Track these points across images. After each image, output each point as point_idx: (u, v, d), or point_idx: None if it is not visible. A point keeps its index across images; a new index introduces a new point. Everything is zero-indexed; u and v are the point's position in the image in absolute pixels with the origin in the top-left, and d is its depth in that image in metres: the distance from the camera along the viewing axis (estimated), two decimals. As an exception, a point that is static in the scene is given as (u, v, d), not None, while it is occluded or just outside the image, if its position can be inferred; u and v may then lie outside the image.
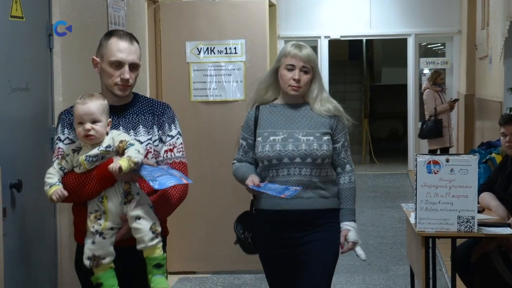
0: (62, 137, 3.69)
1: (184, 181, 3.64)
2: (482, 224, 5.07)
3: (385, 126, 19.05)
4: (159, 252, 3.63)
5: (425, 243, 5.20)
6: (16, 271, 4.07)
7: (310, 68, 4.18)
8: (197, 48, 7.18)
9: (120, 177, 3.55)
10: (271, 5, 12.49)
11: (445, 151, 11.94)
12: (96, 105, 3.53)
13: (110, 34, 3.75)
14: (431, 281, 5.41)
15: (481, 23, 12.38)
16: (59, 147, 3.67)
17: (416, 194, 5.04)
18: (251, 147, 4.31)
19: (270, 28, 8.06)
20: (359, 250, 4.27)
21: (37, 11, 4.32)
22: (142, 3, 6.30)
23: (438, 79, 12.95)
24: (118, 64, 3.61)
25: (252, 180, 4.05)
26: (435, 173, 4.98)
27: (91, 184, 3.55)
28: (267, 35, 7.44)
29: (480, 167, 5.38)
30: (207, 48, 7.19)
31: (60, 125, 3.73)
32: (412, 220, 5.29)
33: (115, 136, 3.58)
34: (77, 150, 3.57)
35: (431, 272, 5.39)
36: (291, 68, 4.15)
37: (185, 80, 7.23)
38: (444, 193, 4.97)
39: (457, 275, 5.41)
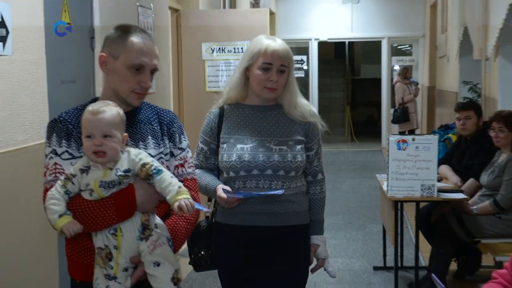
0: (59, 151, 2.43)
1: (201, 207, 2.62)
2: (440, 190, 5.08)
3: (363, 112, 18.96)
4: None
5: (395, 206, 5.21)
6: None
7: (288, 66, 2.99)
8: (211, 48, 7.17)
9: (142, 207, 2.41)
10: (271, 13, 12.52)
11: (412, 132, 12.00)
12: (111, 116, 2.35)
13: (126, 30, 2.51)
14: (399, 236, 5.45)
15: (440, 28, 12.35)
16: (55, 163, 2.42)
17: (388, 166, 5.04)
18: (214, 153, 3.09)
19: (270, 31, 8.07)
20: (329, 266, 3.20)
21: (82, 18, 4.31)
22: (166, 11, 6.27)
23: (407, 74, 13.04)
24: (139, 68, 2.46)
25: (225, 190, 2.92)
26: (404, 150, 4.98)
27: (107, 215, 2.35)
28: (268, 38, 7.45)
29: (439, 145, 5.39)
30: (219, 48, 7.17)
31: (54, 135, 2.45)
32: (384, 187, 5.29)
33: (135, 158, 2.39)
34: (85, 170, 2.35)
35: (399, 229, 5.42)
36: (267, 67, 2.92)
37: (201, 74, 7.22)
38: (411, 166, 4.98)
39: (420, 232, 5.46)
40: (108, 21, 4.60)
